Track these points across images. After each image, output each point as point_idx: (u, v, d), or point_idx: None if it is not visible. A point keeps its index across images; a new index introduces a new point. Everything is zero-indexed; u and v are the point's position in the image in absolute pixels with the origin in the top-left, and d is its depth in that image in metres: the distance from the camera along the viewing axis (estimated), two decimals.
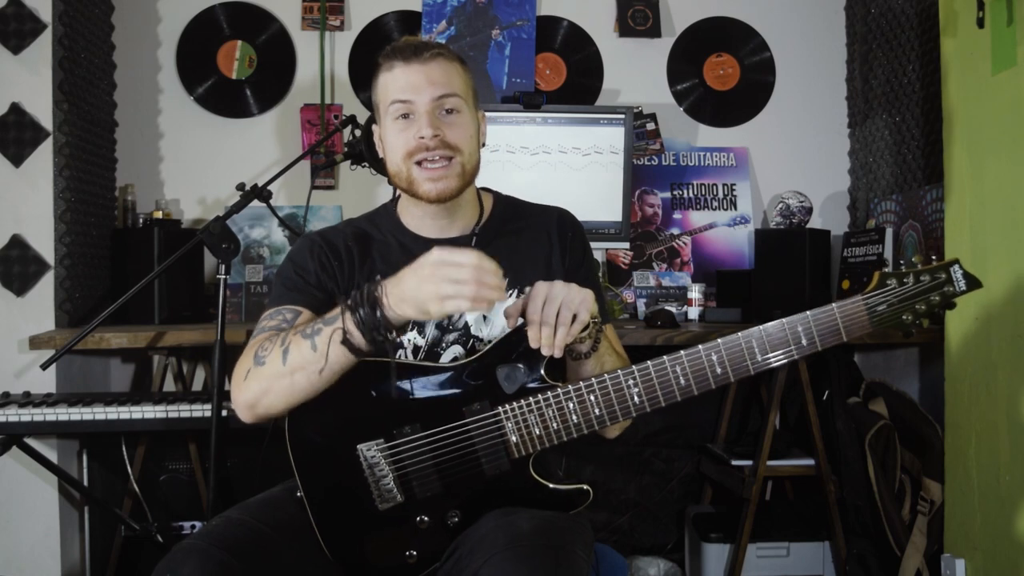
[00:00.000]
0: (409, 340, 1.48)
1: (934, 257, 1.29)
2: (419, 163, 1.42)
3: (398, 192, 1.57)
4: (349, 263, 1.50)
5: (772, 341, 1.28)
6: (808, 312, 1.28)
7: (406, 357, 1.47)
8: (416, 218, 1.53)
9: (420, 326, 1.48)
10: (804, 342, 1.27)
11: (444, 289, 1.20)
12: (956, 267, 1.26)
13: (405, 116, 1.43)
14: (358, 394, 1.34)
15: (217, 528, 1.29)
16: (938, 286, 1.26)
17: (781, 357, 1.28)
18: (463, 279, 1.19)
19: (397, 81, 1.43)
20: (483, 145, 1.53)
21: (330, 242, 1.52)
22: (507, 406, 1.33)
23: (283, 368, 1.30)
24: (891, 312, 1.26)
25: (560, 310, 1.27)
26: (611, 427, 1.36)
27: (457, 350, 1.48)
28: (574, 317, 1.27)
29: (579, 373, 1.39)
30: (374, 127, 1.55)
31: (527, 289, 1.48)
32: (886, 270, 1.28)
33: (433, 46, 1.45)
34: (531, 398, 1.32)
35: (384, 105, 1.46)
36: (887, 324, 1.27)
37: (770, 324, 1.28)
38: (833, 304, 1.27)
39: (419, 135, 1.41)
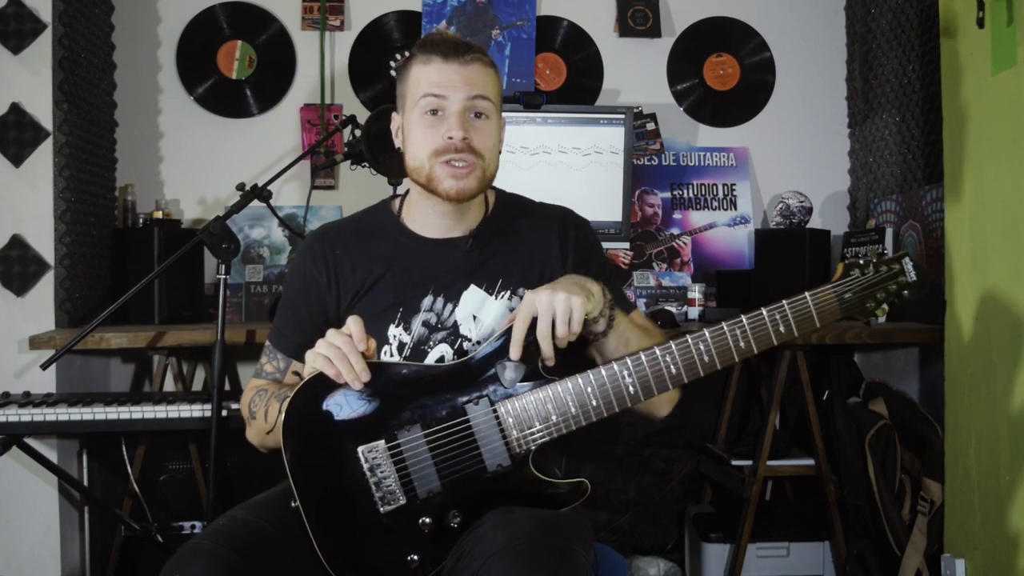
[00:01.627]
0: (394, 337, 1.48)
1: (886, 252, 1.43)
2: (445, 162, 1.43)
3: (402, 190, 1.57)
4: (338, 277, 1.53)
5: (753, 330, 1.37)
6: (784, 301, 1.38)
7: (391, 354, 1.48)
8: (423, 215, 1.53)
9: (406, 323, 1.48)
10: (782, 329, 1.37)
11: (320, 348, 1.32)
12: (907, 259, 1.41)
13: (434, 112, 1.43)
14: (356, 397, 1.34)
15: (224, 528, 1.29)
16: (893, 276, 1.40)
17: (764, 344, 1.38)
18: (338, 345, 1.31)
19: (433, 76, 1.43)
20: (499, 152, 1.53)
21: (317, 259, 1.54)
22: (507, 402, 1.34)
23: (266, 425, 1.47)
24: (856, 299, 1.39)
25: (554, 323, 1.31)
26: (662, 405, 1.47)
27: (444, 348, 1.48)
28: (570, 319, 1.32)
29: (602, 350, 1.45)
30: (394, 115, 1.55)
31: (521, 290, 1.50)
32: (848, 261, 1.41)
33: (475, 48, 1.46)
34: (531, 393, 1.34)
35: (414, 97, 1.45)
36: (854, 310, 1.39)
37: (750, 315, 1.37)
38: (806, 293, 1.38)
39: (448, 135, 1.42)
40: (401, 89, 1.50)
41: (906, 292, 1.40)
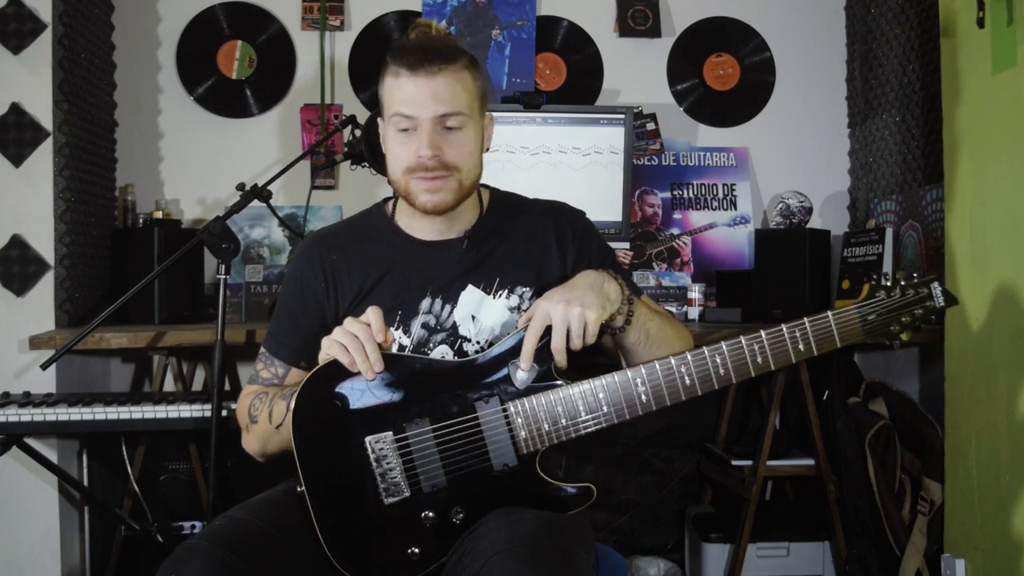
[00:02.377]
0: (395, 340, 1.48)
1: (915, 275, 1.39)
2: (418, 178, 1.43)
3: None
4: (336, 282, 1.53)
5: (772, 346, 1.34)
6: (805, 319, 1.35)
7: None
8: (415, 219, 1.53)
9: (405, 326, 1.48)
10: (801, 347, 1.35)
11: (336, 335, 1.33)
12: (936, 284, 1.38)
13: (406, 129, 1.42)
14: (367, 387, 1.34)
15: (221, 528, 1.29)
16: (920, 300, 1.37)
17: (781, 361, 1.35)
18: (354, 332, 1.32)
19: (401, 91, 1.41)
20: (487, 150, 1.53)
21: (314, 264, 1.54)
22: (517, 402, 1.34)
23: (271, 427, 1.45)
24: (880, 321, 1.36)
25: (569, 335, 1.32)
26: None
27: (444, 350, 1.49)
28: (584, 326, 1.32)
29: (622, 342, 1.44)
30: (379, 120, 1.54)
31: (519, 288, 1.49)
32: (874, 283, 1.38)
33: (443, 55, 1.40)
34: (542, 394, 1.34)
35: (388, 111, 1.45)
36: (877, 333, 1.37)
37: (769, 331, 1.35)
38: (829, 312, 1.35)
39: (418, 153, 1.41)
40: (379, 96, 1.49)
41: (933, 318, 1.37)
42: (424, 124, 1.40)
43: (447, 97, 1.40)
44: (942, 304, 1.37)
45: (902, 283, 1.37)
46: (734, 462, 2.44)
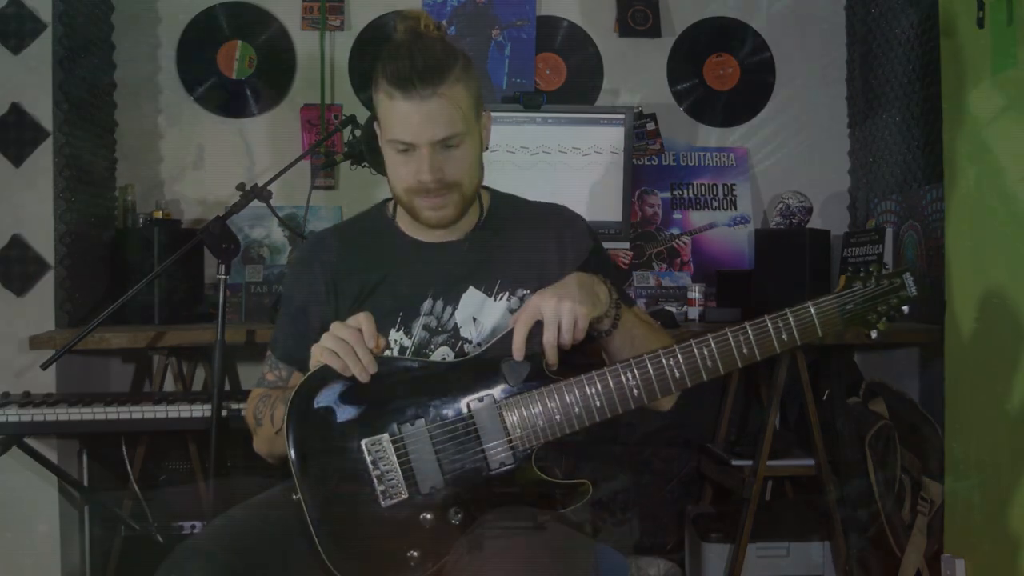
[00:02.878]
0: (395, 341, 1.48)
1: (887, 266, 1.45)
2: (420, 197, 1.44)
3: None
4: (336, 284, 1.52)
5: (756, 337, 1.37)
6: (787, 309, 1.38)
7: None
8: (416, 221, 1.53)
9: (407, 327, 1.48)
10: (785, 337, 1.38)
11: (326, 342, 1.31)
12: (908, 275, 1.43)
13: (405, 151, 1.42)
14: (360, 390, 1.34)
15: (220, 528, 1.30)
16: (895, 290, 1.42)
17: (766, 351, 1.39)
18: (344, 338, 1.30)
19: (396, 115, 1.39)
20: (486, 148, 1.52)
21: (315, 267, 1.54)
22: (511, 400, 1.34)
23: (273, 427, 1.45)
24: (858, 311, 1.41)
25: (560, 330, 1.32)
26: (665, 401, 1.47)
27: (445, 351, 1.48)
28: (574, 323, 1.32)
29: (608, 347, 1.46)
30: (376, 124, 1.54)
31: (519, 291, 1.49)
32: (850, 274, 1.43)
33: (434, 72, 1.37)
34: (535, 392, 1.34)
35: (384, 132, 1.44)
36: (855, 322, 1.42)
37: (754, 322, 1.38)
38: (809, 303, 1.39)
39: (419, 177, 1.41)
40: (374, 103, 1.46)
41: (905, 308, 1.43)
42: (423, 149, 1.39)
43: (443, 121, 1.38)
44: (914, 293, 1.42)
45: (876, 274, 1.42)
46: (734, 462, 2.44)
